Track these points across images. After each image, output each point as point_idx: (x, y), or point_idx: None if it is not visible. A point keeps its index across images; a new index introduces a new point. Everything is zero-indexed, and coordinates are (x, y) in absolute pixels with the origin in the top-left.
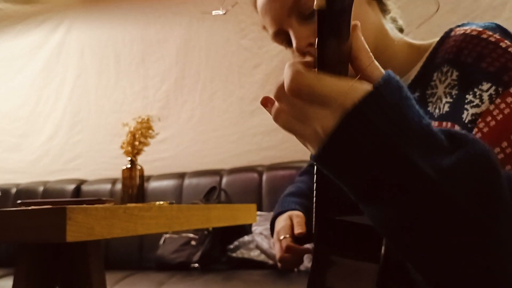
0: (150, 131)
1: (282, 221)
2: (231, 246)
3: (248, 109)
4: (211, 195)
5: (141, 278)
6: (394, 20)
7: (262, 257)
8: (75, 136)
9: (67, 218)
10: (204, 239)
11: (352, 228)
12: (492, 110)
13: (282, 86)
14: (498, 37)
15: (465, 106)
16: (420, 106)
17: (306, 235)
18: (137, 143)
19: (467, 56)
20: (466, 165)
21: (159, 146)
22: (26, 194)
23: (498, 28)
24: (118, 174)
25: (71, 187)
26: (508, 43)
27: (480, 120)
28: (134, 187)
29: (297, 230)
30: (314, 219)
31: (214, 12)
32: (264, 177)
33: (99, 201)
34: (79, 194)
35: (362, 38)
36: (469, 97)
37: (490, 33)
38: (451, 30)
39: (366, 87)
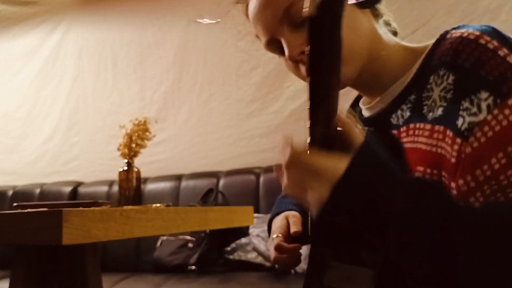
0: (147, 133)
1: (278, 221)
2: (228, 248)
3: (245, 111)
4: (208, 197)
5: (138, 281)
6: (387, 24)
7: (259, 259)
8: (73, 137)
9: (63, 220)
10: (201, 241)
11: (348, 232)
12: (490, 120)
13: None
14: (496, 44)
15: (461, 112)
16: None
17: (303, 234)
18: (134, 145)
19: (464, 61)
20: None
21: (157, 148)
22: (23, 196)
23: (495, 33)
24: (115, 176)
25: (68, 189)
26: (506, 51)
27: (477, 129)
28: (131, 189)
29: (293, 229)
30: (309, 222)
31: (206, 21)
32: (262, 179)
33: (96, 204)
34: (76, 196)
35: (349, 120)
36: (466, 103)
37: (488, 38)
38: (446, 32)
39: (346, 163)
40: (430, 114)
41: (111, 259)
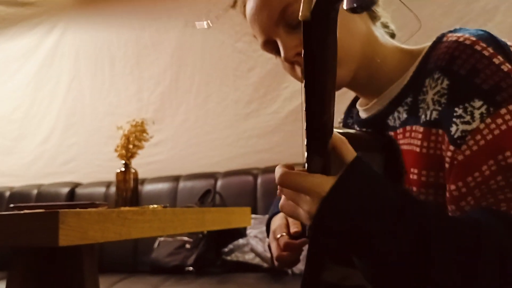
0: (144, 134)
1: (277, 220)
2: (226, 249)
3: (243, 112)
4: (206, 198)
5: (135, 282)
6: (385, 26)
7: (257, 260)
8: (70, 138)
9: (60, 222)
10: (198, 242)
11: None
12: (482, 129)
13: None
14: (492, 51)
15: (454, 119)
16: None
17: (302, 233)
18: (131, 146)
19: (460, 67)
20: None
21: (154, 149)
22: (20, 198)
23: (491, 39)
24: (112, 177)
25: (65, 190)
26: (501, 59)
27: (469, 137)
28: (128, 190)
29: (293, 229)
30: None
31: (198, 24)
32: (259, 180)
33: (93, 205)
34: (73, 197)
35: (342, 138)
36: (459, 111)
37: (484, 45)
38: (443, 35)
39: (333, 180)
40: (422, 117)
41: (108, 260)
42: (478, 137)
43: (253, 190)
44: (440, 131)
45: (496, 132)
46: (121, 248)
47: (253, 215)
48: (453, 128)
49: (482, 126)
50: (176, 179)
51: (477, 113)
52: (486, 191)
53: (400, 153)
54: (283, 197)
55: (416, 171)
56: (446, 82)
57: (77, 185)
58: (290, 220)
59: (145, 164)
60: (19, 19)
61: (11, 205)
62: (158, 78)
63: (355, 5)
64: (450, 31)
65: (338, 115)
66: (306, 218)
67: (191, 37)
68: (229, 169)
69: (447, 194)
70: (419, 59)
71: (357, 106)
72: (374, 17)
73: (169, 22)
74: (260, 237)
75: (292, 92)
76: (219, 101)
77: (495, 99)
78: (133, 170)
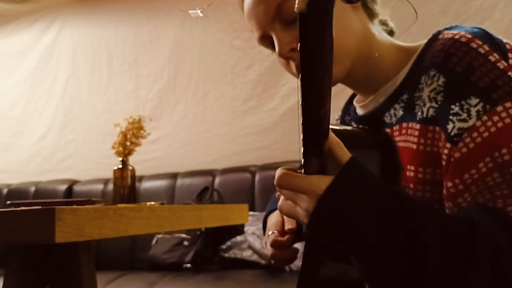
0: (142, 131)
1: (273, 218)
2: (224, 246)
3: (240, 109)
4: (204, 195)
5: (133, 279)
6: (383, 23)
7: (255, 257)
8: (67, 135)
9: (56, 218)
10: (196, 239)
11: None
12: (479, 126)
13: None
14: (487, 48)
15: (450, 117)
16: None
17: (297, 230)
18: (128, 143)
19: (456, 64)
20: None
21: (152, 146)
22: (18, 195)
23: (487, 37)
24: (110, 174)
25: (63, 187)
26: (497, 56)
27: (466, 135)
28: (125, 187)
29: (288, 226)
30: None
31: (192, 12)
32: (257, 177)
33: (89, 202)
34: (71, 194)
35: (336, 137)
36: (456, 108)
37: (480, 42)
38: (439, 32)
39: (329, 180)
40: (419, 114)
41: (106, 257)
42: (475, 134)
43: (251, 187)
44: (437, 128)
45: (493, 129)
46: (118, 245)
47: (251, 212)
48: (450, 126)
49: (478, 123)
50: (174, 176)
51: (473, 111)
52: (482, 188)
53: (396, 150)
54: (281, 197)
55: (412, 168)
56: (442, 79)
57: (74, 182)
58: (286, 217)
59: (143, 161)
60: (16, 15)
61: (8, 202)
62: (156, 75)
63: None
64: (446, 29)
65: (336, 112)
66: (304, 216)
67: (189, 34)
68: (227, 166)
69: (444, 191)
70: (415, 57)
71: (354, 103)
72: (371, 15)
73: (167, 19)
74: (258, 234)
75: (290, 89)
76: (217, 99)
77: (491, 97)
78: (130, 167)
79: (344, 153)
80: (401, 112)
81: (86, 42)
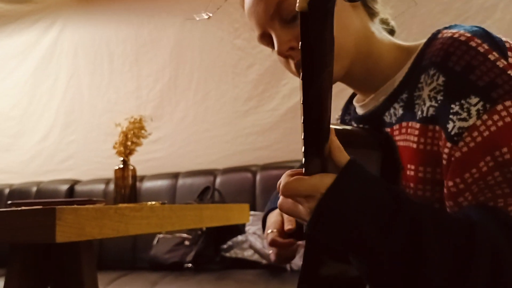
0: (143, 131)
1: (273, 217)
2: (225, 246)
3: (241, 109)
4: (205, 195)
5: (134, 278)
6: (384, 22)
7: (256, 257)
8: (69, 136)
9: (57, 218)
10: (197, 239)
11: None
12: (479, 125)
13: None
14: (487, 47)
15: (451, 116)
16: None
17: (296, 230)
18: (129, 143)
19: (455, 64)
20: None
21: (153, 146)
22: (19, 195)
23: (486, 36)
24: (112, 174)
25: (65, 187)
26: (496, 55)
27: (466, 134)
28: (126, 187)
29: (287, 226)
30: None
31: (201, 17)
32: (258, 177)
33: (90, 202)
34: (72, 194)
35: (337, 140)
36: (456, 107)
37: (479, 41)
38: (438, 31)
39: (331, 179)
40: (419, 113)
41: (107, 257)
42: (475, 133)
43: (252, 187)
44: (437, 128)
45: (493, 128)
46: (120, 245)
47: (252, 212)
48: (450, 125)
49: (478, 122)
50: (175, 176)
51: (473, 110)
52: (483, 187)
53: (397, 149)
54: (281, 195)
55: (413, 167)
56: (441, 78)
57: (76, 182)
58: (285, 217)
59: (144, 161)
60: (17, 16)
61: (9, 202)
62: (157, 75)
63: None
64: (445, 28)
65: (336, 111)
66: (307, 213)
67: (190, 34)
68: (228, 166)
69: (445, 190)
70: (414, 56)
71: (354, 102)
72: (372, 13)
73: (168, 19)
74: (259, 234)
75: (291, 89)
76: (218, 98)
77: (491, 96)
78: (131, 167)
79: (344, 156)
80: (401, 111)
81: (87, 42)
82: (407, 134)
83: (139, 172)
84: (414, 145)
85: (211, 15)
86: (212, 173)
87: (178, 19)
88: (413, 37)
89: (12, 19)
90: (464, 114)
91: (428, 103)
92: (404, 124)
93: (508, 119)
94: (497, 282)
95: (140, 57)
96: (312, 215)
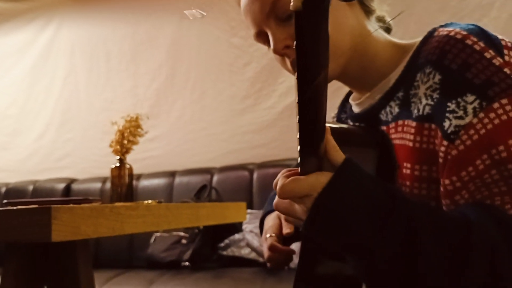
0: (139, 130)
1: (271, 220)
2: (222, 244)
3: (238, 107)
4: (202, 193)
5: (131, 277)
6: (380, 20)
7: (253, 255)
8: (65, 134)
9: (52, 217)
10: (194, 238)
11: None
12: (475, 123)
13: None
14: (483, 45)
15: (447, 114)
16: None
17: (294, 234)
18: (125, 141)
19: (451, 62)
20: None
21: (150, 144)
22: (16, 194)
23: (482, 34)
24: (108, 173)
25: (61, 186)
26: (492, 53)
27: (463, 132)
28: (123, 186)
29: (286, 229)
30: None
31: (197, 15)
32: (255, 175)
33: (86, 201)
34: (69, 193)
35: (333, 139)
36: (452, 106)
37: (475, 39)
38: (434, 30)
39: (327, 178)
40: (415, 111)
41: (104, 255)
42: (472, 131)
43: (249, 185)
44: (433, 126)
45: (489, 126)
46: (116, 243)
47: (249, 210)
48: (446, 123)
49: (475, 120)
50: (172, 174)
51: (470, 108)
52: (480, 185)
53: (393, 147)
54: (277, 195)
55: (409, 165)
56: (438, 76)
57: (72, 180)
58: (283, 221)
59: (141, 160)
60: (14, 14)
61: (5, 201)
62: (153, 73)
63: None
64: (441, 26)
65: (332, 110)
66: (303, 212)
67: (187, 32)
68: (225, 165)
69: (441, 189)
70: (410, 54)
71: (350, 100)
72: (368, 11)
73: (165, 17)
74: (256, 232)
75: (288, 87)
76: (215, 97)
77: (488, 94)
78: (128, 166)
79: (339, 155)
80: (397, 110)
81: (84, 40)
82: (403, 132)
83: (136, 171)
84: (410, 143)
85: (205, 14)
86: (209, 171)
87: (175, 18)
88: (410, 35)
89: (9, 17)
90: (461, 112)
91: (424, 101)
92: (400, 122)
93: (504, 117)
94: (493, 280)
95: (137, 55)
96: (308, 214)
